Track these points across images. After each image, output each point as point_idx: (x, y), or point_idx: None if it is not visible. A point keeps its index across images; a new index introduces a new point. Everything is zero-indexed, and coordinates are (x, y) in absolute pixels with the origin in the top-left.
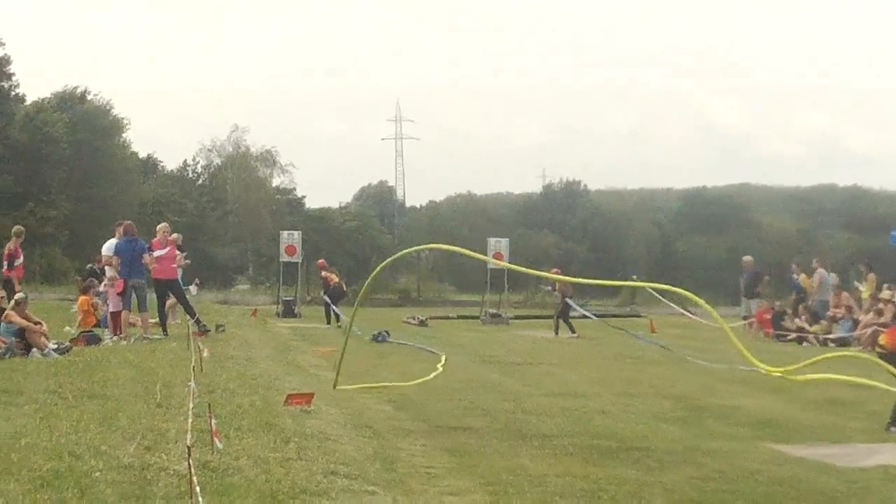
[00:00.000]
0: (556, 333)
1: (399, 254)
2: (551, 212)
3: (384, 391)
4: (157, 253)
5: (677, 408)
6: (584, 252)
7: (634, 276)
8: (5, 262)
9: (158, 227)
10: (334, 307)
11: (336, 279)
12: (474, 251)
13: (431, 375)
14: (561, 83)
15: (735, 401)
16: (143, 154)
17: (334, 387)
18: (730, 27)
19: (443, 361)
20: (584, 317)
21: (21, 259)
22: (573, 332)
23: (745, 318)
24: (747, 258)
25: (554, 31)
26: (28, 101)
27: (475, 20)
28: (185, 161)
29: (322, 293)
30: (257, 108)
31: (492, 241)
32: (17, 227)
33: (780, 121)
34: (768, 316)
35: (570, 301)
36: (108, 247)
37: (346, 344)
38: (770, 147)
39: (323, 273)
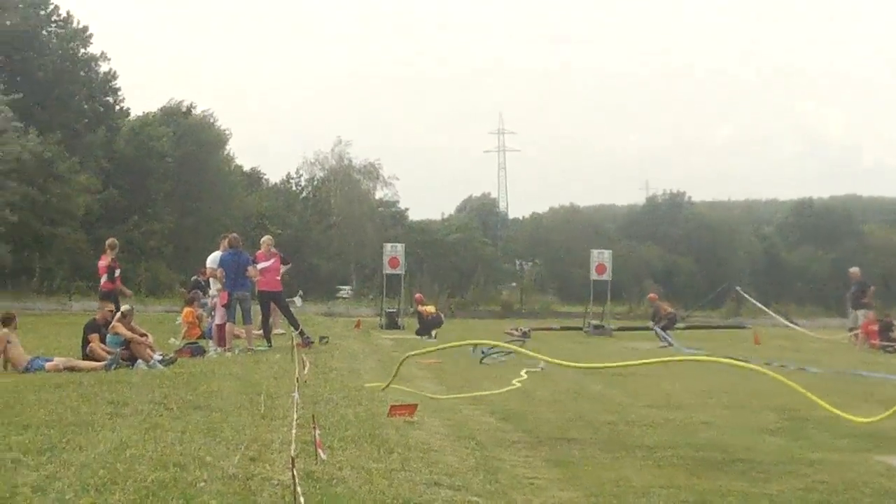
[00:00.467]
0: (671, 344)
1: (433, 349)
2: (655, 223)
3: (485, 402)
4: (261, 265)
5: (782, 419)
6: (687, 264)
7: (738, 288)
8: (104, 276)
9: (262, 239)
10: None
11: (432, 311)
12: (578, 263)
13: (502, 390)
14: (664, 93)
15: (840, 412)
16: (247, 167)
17: (383, 388)
18: (836, 35)
19: (522, 377)
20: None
21: (118, 271)
22: (670, 343)
23: (850, 329)
24: (854, 269)
25: (657, 41)
26: (133, 116)
27: (576, 31)
28: (289, 174)
29: (417, 326)
30: (360, 121)
31: (595, 252)
32: (111, 240)
33: (886, 130)
34: (875, 327)
35: (659, 330)
36: (213, 259)
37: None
38: (876, 157)
39: (419, 308)
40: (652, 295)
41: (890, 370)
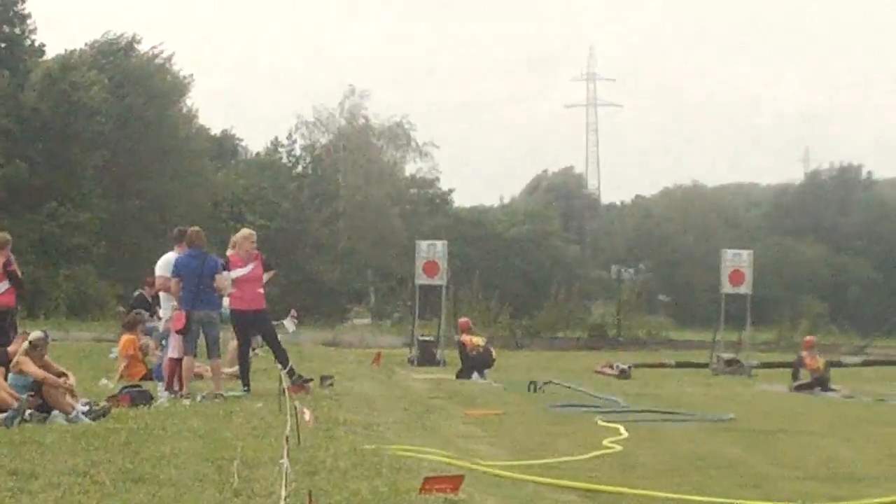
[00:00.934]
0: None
1: None
2: (818, 210)
3: (564, 472)
4: (236, 273)
5: None
6: (864, 269)
7: None
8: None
9: (239, 234)
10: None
11: (480, 343)
12: (704, 268)
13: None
14: (833, 23)
15: None
16: (216, 130)
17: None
18: None
19: (620, 434)
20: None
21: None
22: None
23: None
24: None
25: None
26: (50, 55)
27: None
28: (277, 140)
29: (460, 368)
30: (383, 62)
31: (728, 253)
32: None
33: None
34: None
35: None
36: (165, 264)
37: None
38: None
39: (463, 337)
40: (809, 338)
41: None
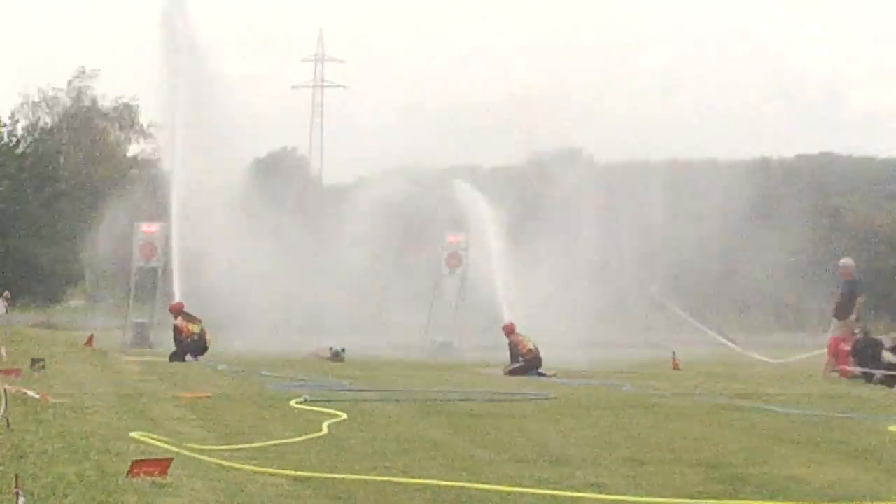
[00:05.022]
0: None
1: None
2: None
3: (274, 456)
4: None
5: (709, 480)
6: None
7: (653, 288)
8: None
9: None
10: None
11: (195, 330)
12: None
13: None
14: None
15: (796, 469)
16: None
17: None
18: None
19: (338, 417)
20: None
21: None
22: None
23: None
24: (846, 262)
25: None
26: None
27: None
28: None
29: (173, 350)
30: (117, 41)
31: (451, 238)
32: None
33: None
34: (848, 346)
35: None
36: None
37: None
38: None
39: (177, 321)
40: (508, 323)
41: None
